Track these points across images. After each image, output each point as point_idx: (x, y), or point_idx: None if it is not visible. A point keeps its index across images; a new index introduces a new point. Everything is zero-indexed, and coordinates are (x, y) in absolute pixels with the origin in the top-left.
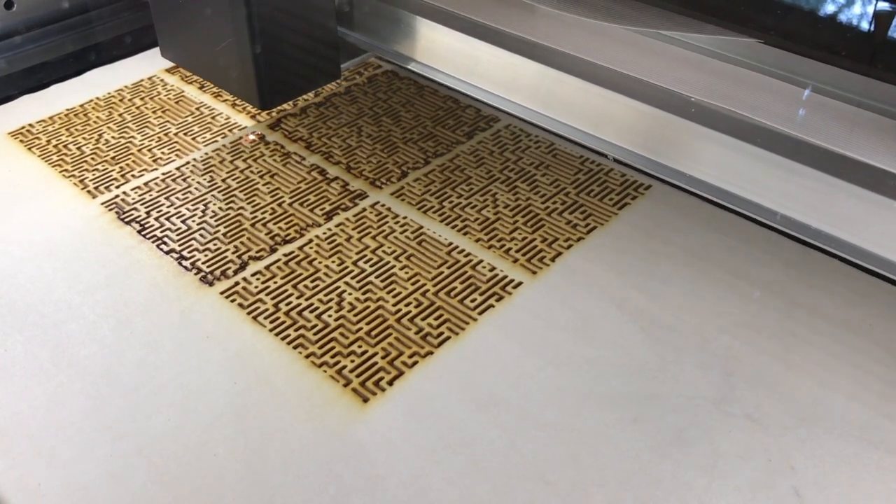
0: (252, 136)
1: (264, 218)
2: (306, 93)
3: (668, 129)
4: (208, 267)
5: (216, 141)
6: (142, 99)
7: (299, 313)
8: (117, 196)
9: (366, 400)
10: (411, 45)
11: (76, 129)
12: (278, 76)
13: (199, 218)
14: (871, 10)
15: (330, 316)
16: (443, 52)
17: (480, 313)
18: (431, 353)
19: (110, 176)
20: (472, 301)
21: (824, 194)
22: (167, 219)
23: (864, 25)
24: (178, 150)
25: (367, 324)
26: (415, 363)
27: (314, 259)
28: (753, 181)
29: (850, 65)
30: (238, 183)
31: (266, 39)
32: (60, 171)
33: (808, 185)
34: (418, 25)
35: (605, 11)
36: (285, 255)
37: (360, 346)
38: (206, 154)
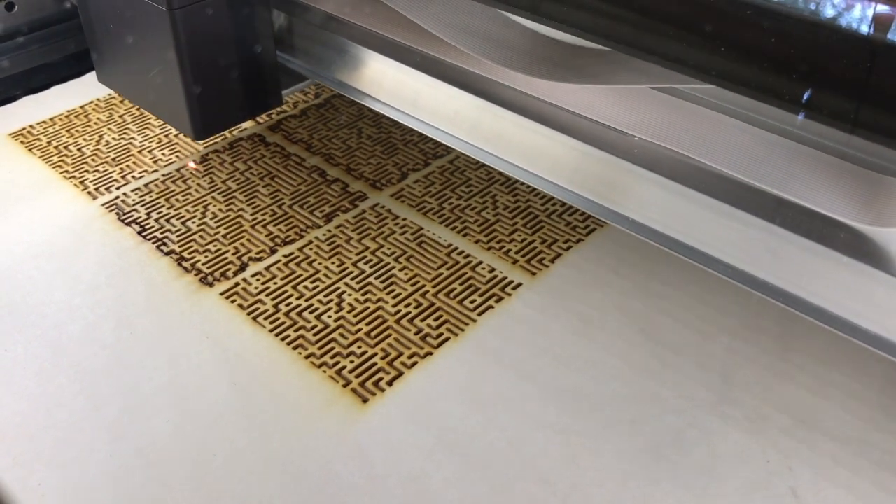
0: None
1: (264, 219)
2: (246, 120)
3: (610, 169)
4: (208, 268)
5: (216, 142)
6: None
7: (299, 314)
8: (118, 197)
9: (365, 400)
10: (352, 73)
11: (77, 131)
12: (213, 104)
13: (200, 219)
14: (827, 50)
15: (330, 317)
16: (384, 81)
17: (480, 314)
18: (431, 353)
19: (111, 177)
20: (472, 302)
21: (772, 245)
22: (167, 220)
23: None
24: (179, 151)
25: (367, 324)
26: (414, 364)
27: (314, 260)
28: (698, 228)
29: (803, 106)
30: (238, 184)
31: (197, 66)
32: (61, 172)
33: (754, 235)
34: (359, 54)
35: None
36: (285, 256)
37: (359, 347)
38: (206, 155)
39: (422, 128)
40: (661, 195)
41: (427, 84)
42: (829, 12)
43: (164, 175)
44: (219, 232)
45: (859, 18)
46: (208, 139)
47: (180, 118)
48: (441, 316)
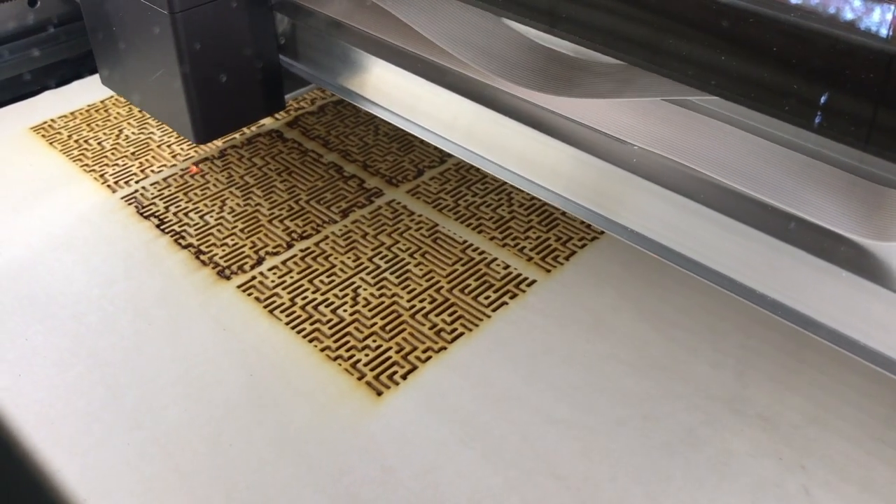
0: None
1: (281, 214)
2: (248, 124)
3: (608, 178)
4: (226, 261)
5: (234, 138)
6: None
7: (315, 308)
8: (137, 191)
9: (380, 393)
10: (354, 78)
11: (97, 125)
12: (214, 108)
13: (217, 214)
14: (826, 58)
15: (345, 311)
16: (385, 87)
17: (494, 310)
18: (445, 348)
19: (130, 171)
20: (486, 298)
21: (771, 258)
22: (185, 214)
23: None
24: (197, 147)
25: (382, 319)
26: (428, 358)
27: (330, 255)
28: (696, 239)
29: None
30: (256, 179)
31: (198, 70)
32: (81, 166)
33: (753, 247)
34: (361, 59)
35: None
36: (301, 250)
37: (374, 341)
38: (224, 151)
39: (420, 133)
40: (658, 205)
41: (428, 90)
42: (839, 22)
43: (182, 170)
44: (236, 226)
45: (876, 23)
46: (227, 136)
47: (181, 121)
48: (455, 311)
